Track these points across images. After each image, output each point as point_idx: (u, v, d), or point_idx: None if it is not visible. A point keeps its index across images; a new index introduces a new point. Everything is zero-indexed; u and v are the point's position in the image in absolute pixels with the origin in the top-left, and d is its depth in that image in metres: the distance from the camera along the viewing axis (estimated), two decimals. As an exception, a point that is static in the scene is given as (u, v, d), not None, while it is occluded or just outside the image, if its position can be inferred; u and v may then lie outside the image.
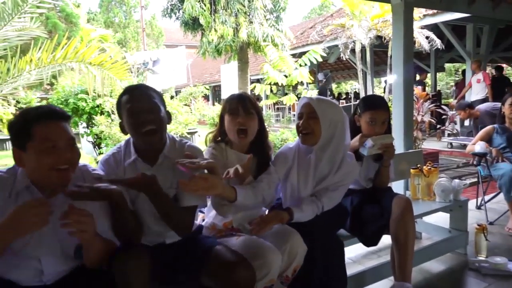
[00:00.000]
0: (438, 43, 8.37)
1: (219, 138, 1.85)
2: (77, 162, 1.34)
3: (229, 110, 1.75)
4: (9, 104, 7.62)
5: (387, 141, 2.13)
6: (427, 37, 8.29)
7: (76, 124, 7.15)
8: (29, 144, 1.25)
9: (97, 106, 6.47)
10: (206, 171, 1.52)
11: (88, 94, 6.00)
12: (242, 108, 1.72)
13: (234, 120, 1.72)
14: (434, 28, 8.78)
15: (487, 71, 9.10)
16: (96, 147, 7.10)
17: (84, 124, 7.08)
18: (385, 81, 13.15)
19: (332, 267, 1.74)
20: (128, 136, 1.59)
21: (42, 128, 1.25)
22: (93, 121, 6.36)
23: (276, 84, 6.39)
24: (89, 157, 6.74)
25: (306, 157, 1.85)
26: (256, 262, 1.52)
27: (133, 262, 1.29)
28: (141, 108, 1.48)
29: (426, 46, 8.22)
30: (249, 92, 10.06)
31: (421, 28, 8.32)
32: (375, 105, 2.18)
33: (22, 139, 1.25)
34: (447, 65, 17.24)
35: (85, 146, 8.50)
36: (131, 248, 1.37)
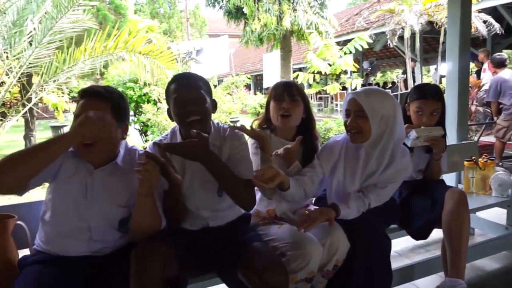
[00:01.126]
0: (497, 27, 7.82)
1: (265, 126, 1.85)
2: (102, 141, 1.37)
3: (274, 96, 1.76)
4: (63, 93, 8.10)
5: (434, 134, 2.01)
6: (484, 21, 7.76)
7: (125, 112, 7.46)
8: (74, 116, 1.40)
9: (144, 95, 6.69)
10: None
11: (135, 83, 6.22)
12: (287, 94, 1.73)
13: (279, 105, 1.73)
14: (492, 11, 8.18)
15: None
16: (143, 134, 7.38)
17: (132, 112, 7.38)
18: (435, 69, 12.50)
19: (376, 265, 1.68)
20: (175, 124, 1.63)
21: (79, 104, 1.41)
22: (140, 109, 6.58)
23: (319, 73, 6.28)
24: (136, 144, 7.03)
25: (354, 152, 1.75)
26: (295, 252, 1.52)
27: (151, 258, 1.26)
28: (187, 98, 1.49)
29: (483, 31, 7.71)
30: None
31: (478, 11, 7.78)
32: (424, 94, 2.06)
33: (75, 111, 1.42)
34: (505, 52, 16.05)
35: (132, 134, 8.87)
36: (154, 244, 1.34)
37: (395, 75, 21.23)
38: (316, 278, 1.66)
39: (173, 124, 1.64)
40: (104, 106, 1.41)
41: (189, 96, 1.49)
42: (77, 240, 1.41)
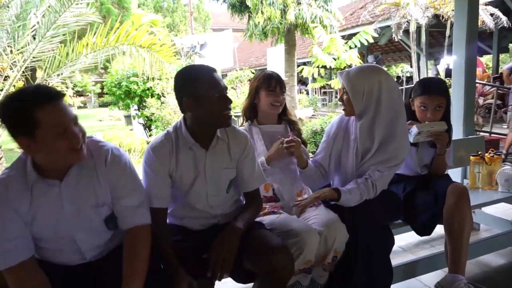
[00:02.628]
0: (504, 20, 7.71)
1: (249, 112, 2.03)
2: (85, 138, 1.28)
3: (268, 88, 1.95)
4: (67, 87, 8.11)
5: (437, 129, 1.98)
6: (491, 14, 7.66)
7: (128, 106, 7.46)
8: (38, 132, 1.15)
9: (148, 89, 6.68)
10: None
11: (138, 77, 6.21)
12: (279, 88, 1.96)
13: (272, 97, 1.95)
14: (499, 4, 8.07)
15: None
16: (147, 129, 7.37)
17: (136, 107, 7.37)
18: (434, 62, 12.33)
19: (376, 259, 1.68)
20: (176, 122, 1.62)
21: (47, 113, 1.16)
22: (144, 103, 6.58)
23: (324, 67, 6.23)
24: (140, 138, 7.02)
25: (348, 128, 1.94)
26: (291, 240, 1.54)
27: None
28: (225, 93, 1.52)
29: (490, 24, 7.62)
30: (296, 76, 9.92)
31: (485, 4, 7.68)
32: (427, 89, 2.02)
33: (27, 127, 1.15)
34: (511, 46, 15.85)
35: (136, 128, 8.86)
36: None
37: (399, 69, 21.06)
38: (317, 271, 1.67)
39: (178, 118, 1.64)
40: (67, 106, 1.25)
41: (225, 89, 1.52)
42: (70, 254, 1.37)
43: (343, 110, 1.91)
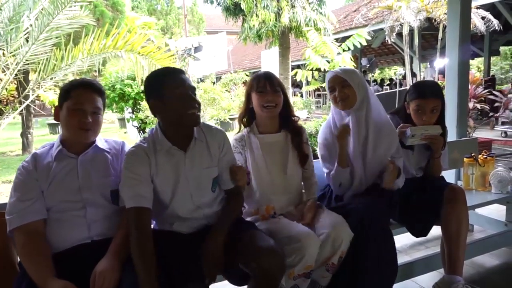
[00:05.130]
0: (495, 24, 7.81)
1: (246, 118, 1.92)
2: (97, 129, 1.55)
3: (257, 89, 1.81)
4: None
5: (431, 132, 2.00)
6: (483, 18, 7.76)
7: (122, 109, 7.43)
8: (65, 104, 1.49)
9: (142, 92, 6.66)
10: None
11: (134, 80, 6.19)
12: (269, 86, 1.80)
13: (263, 97, 1.79)
14: (490, 7, 8.18)
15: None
16: (141, 132, 7.35)
17: (130, 109, 7.34)
18: (429, 65, 12.42)
19: (383, 255, 1.70)
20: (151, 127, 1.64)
21: (78, 93, 1.49)
22: (139, 106, 6.55)
23: (318, 69, 6.25)
24: (134, 141, 6.99)
25: (344, 122, 1.95)
26: (290, 246, 1.52)
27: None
28: (189, 93, 1.49)
29: (481, 27, 7.71)
30: (290, 78, 9.95)
31: (477, 8, 7.78)
32: (422, 93, 2.04)
33: (62, 98, 1.50)
34: (502, 48, 16.05)
35: (130, 131, 8.81)
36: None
37: (393, 71, 21.22)
38: (320, 272, 1.66)
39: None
40: (99, 99, 1.54)
41: (189, 89, 1.50)
42: (75, 222, 1.44)
43: (343, 101, 1.90)
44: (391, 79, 16.62)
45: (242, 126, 1.93)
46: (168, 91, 1.47)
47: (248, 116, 1.91)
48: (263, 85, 1.79)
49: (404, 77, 10.78)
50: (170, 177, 1.52)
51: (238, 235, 1.50)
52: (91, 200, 1.47)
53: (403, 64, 10.96)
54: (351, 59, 6.09)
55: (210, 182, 1.59)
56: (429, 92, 2.04)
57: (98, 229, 1.47)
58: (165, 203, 1.54)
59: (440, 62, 8.78)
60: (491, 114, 6.87)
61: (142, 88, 6.78)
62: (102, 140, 1.63)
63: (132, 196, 1.43)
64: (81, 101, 1.48)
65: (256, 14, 9.43)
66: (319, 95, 16.00)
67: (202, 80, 10.92)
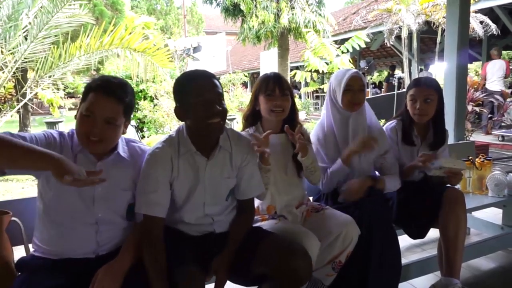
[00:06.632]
0: (493, 28, 7.85)
1: (251, 118, 1.85)
2: (109, 139, 1.37)
3: (266, 92, 1.75)
4: (58, 89, 8.03)
5: (457, 168, 1.96)
6: (481, 22, 7.79)
7: (120, 108, 7.41)
8: (82, 105, 1.35)
9: (141, 91, 6.64)
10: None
11: (131, 79, 6.17)
12: (278, 90, 1.74)
13: (271, 102, 1.73)
14: (488, 12, 8.21)
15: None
16: (139, 131, 7.34)
17: (128, 109, 7.32)
18: (424, 68, 12.45)
19: (388, 255, 1.71)
20: (177, 126, 1.57)
21: (93, 97, 1.33)
22: (137, 105, 6.54)
23: (316, 71, 6.26)
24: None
25: (343, 123, 1.97)
26: None
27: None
28: (212, 99, 1.41)
29: (480, 31, 7.74)
30: (288, 79, 9.96)
31: (475, 12, 7.81)
32: (417, 82, 2.10)
33: (82, 97, 1.36)
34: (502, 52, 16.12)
35: (128, 130, 8.78)
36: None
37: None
38: (325, 270, 1.67)
39: (170, 121, 1.61)
40: (116, 108, 1.35)
41: (214, 97, 1.41)
42: (84, 235, 1.37)
43: (357, 105, 1.92)
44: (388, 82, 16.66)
45: (247, 124, 1.87)
46: (189, 98, 1.40)
47: (252, 116, 1.85)
48: (272, 88, 1.73)
49: (402, 79, 10.80)
50: (188, 181, 1.48)
51: (257, 240, 1.47)
52: (104, 218, 1.39)
53: (402, 67, 10.97)
54: (350, 61, 6.11)
55: (226, 192, 1.56)
56: (423, 82, 2.09)
57: (107, 246, 1.41)
58: (176, 207, 1.52)
59: (436, 67, 8.82)
60: (489, 116, 6.89)
61: (141, 87, 6.78)
62: (124, 147, 1.48)
63: (147, 202, 1.41)
64: (93, 107, 1.32)
65: (256, 15, 9.45)
66: (317, 97, 16.02)
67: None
